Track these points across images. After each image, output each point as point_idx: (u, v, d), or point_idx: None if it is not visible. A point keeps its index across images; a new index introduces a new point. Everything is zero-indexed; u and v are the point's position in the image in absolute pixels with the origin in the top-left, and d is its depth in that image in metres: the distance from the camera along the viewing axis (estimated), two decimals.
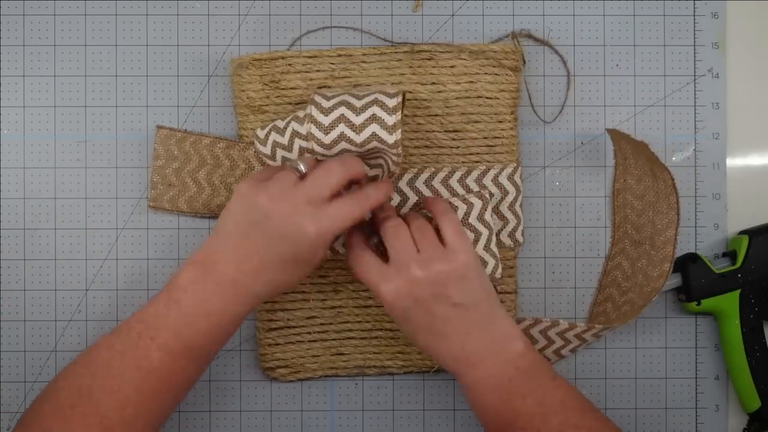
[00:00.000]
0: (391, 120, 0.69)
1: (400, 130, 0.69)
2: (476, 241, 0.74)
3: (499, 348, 0.69)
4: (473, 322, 0.69)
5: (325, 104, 0.70)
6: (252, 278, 0.67)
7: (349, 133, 0.70)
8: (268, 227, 0.66)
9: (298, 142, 0.73)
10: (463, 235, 0.70)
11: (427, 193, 0.78)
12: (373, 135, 0.69)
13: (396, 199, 0.78)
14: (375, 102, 0.70)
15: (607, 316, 0.78)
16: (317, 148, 0.70)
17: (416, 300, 0.68)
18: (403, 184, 0.78)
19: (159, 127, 0.80)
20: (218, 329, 0.68)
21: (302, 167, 0.69)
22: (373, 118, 0.69)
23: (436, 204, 0.72)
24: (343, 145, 0.70)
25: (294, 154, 0.73)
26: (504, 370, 0.69)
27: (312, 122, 0.70)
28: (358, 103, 0.70)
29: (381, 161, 0.73)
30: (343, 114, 0.70)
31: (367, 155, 0.72)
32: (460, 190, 0.78)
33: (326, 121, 0.70)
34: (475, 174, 0.78)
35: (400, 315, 0.69)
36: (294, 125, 0.73)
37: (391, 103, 0.70)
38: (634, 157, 0.79)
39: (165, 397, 0.68)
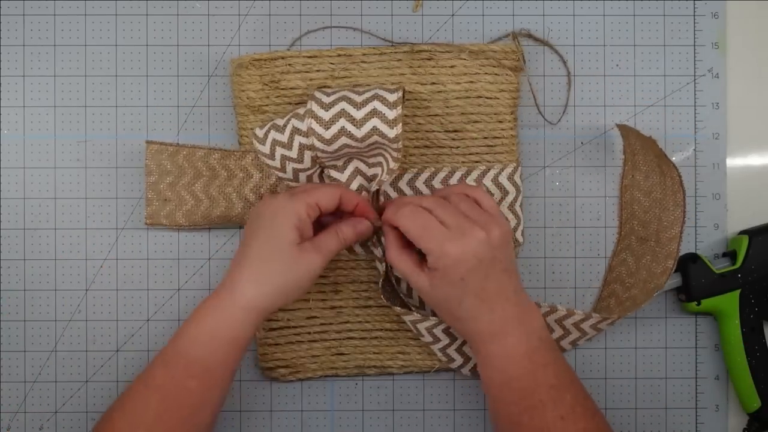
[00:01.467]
0: (392, 114, 0.70)
1: (400, 124, 0.70)
2: None
3: (527, 318, 0.71)
4: (512, 290, 0.71)
5: (326, 99, 0.71)
6: (239, 276, 0.70)
7: (349, 127, 0.70)
8: (253, 215, 0.73)
9: (298, 139, 0.73)
10: (491, 200, 0.73)
11: (426, 192, 0.78)
12: (374, 129, 0.70)
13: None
14: (375, 97, 0.71)
15: (610, 312, 0.78)
16: (318, 144, 0.71)
17: (480, 261, 0.69)
18: (403, 184, 0.78)
19: (149, 143, 0.79)
20: (215, 341, 0.70)
21: None
22: (374, 113, 0.70)
23: (458, 187, 0.75)
24: (344, 140, 0.71)
25: (294, 152, 0.73)
26: (531, 339, 0.71)
27: (312, 117, 0.71)
28: (358, 98, 0.71)
29: (381, 159, 0.73)
30: (343, 109, 0.71)
31: (367, 151, 0.72)
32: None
33: (326, 116, 0.70)
34: (475, 174, 0.78)
35: (457, 277, 0.70)
36: (294, 122, 0.73)
37: (392, 97, 0.71)
38: (642, 153, 0.79)
39: (177, 418, 0.69)
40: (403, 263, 0.72)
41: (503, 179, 0.78)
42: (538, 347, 0.71)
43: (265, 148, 0.75)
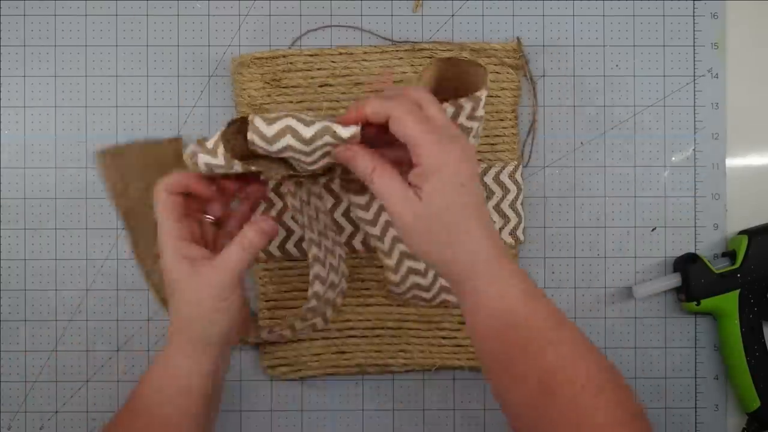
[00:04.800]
0: (346, 132, 0.62)
1: (359, 127, 0.62)
2: None
3: (508, 254, 0.63)
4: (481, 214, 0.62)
5: (270, 116, 0.63)
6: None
7: (296, 125, 0.62)
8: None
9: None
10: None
11: None
12: (326, 129, 0.62)
13: None
14: (327, 126, 0.63)
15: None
16: (259, 142, 0.63)
17: (474, 171, 0.61)
18: None
19: (98, 153, 0.76)
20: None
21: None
22: (326, 129, 0.62)
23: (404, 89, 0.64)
24: (289, 139, 0.62)
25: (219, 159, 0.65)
26: (520, 273, 0.62)
27: (254, 131, 0.63)
28: (307, 118, 0.63)
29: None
30: (289, 125, 0.63)
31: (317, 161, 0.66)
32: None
33: (270, 131, 0.63)
34: None
35: (458, 183, 0.60)
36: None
37: (345, 133, 0.62)
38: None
39: None
40: (388, 178, 0.61)
41: (504, 177, 0.79)
42: (529, 285, 0.62)
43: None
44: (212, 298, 0.64)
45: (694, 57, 0.82)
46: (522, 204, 0.79)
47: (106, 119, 0.81)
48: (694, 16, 0.82)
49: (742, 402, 0.80)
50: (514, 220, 0.79)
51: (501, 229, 0.79)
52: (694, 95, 0.82)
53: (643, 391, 0.81)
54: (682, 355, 0.82)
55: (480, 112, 0.67)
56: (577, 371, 0.60)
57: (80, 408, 0.80)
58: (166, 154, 0.77)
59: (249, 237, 0.65)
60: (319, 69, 0.79)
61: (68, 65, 0.81)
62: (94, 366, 0.80)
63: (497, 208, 0.79)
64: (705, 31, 0.82)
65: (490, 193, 0.78)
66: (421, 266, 0.75)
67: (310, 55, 0.79)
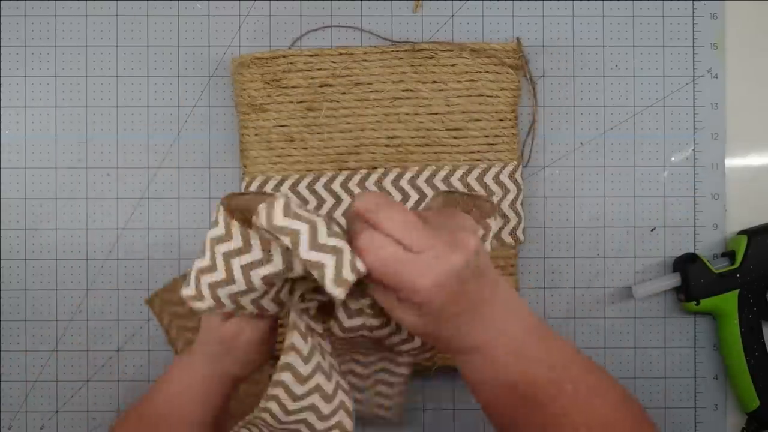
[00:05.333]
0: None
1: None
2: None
3: (513, 308, 0.62)
4: (495, 288, 0.61)
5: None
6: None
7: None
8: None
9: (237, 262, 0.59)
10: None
11: (429, 192, 0.78)
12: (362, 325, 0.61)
13: (397, 197, 0.78)
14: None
15: None
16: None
17: (459, 280, 0.57)
18: (404, 183, 0.78)
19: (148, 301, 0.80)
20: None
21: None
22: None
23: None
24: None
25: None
26: (520, 335, 0.61)
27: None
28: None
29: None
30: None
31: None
32: (462, 189, 0.78)
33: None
34: (476, 172, 0.78)
35: (437, 306, 0.57)
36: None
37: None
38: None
39: None
40: (382, 299, 0.60)
41: (504, 177, 0.79)
42: (527, 341, 0.61)
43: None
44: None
45: (694, 57, 0.82)
46: (522, 204, 0.79)
47: (106, 119, 0.81)
48: (693, 16, 0.82)
49: (742, 402, 0.80)
50: (514, 220, 0.79)
51: (501, 229, 0.79)
52: (694, 95, 0.82)
53: (643, 391, 0.81)
54: (682, 355, 0.82)
55: (487, 245, 0.62)
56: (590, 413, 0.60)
57: (80, 408, 0.80)
58: None
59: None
60: (319, 69, 0.79)
61: (68, 65, 0.81)
62: (94, 366, 0.80)
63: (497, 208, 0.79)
64: (704, 32, 0.82)
65: (489, 194, 0.79)
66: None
67: (310, 56, 0.79)
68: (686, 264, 0.79)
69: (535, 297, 0.81)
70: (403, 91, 0.79)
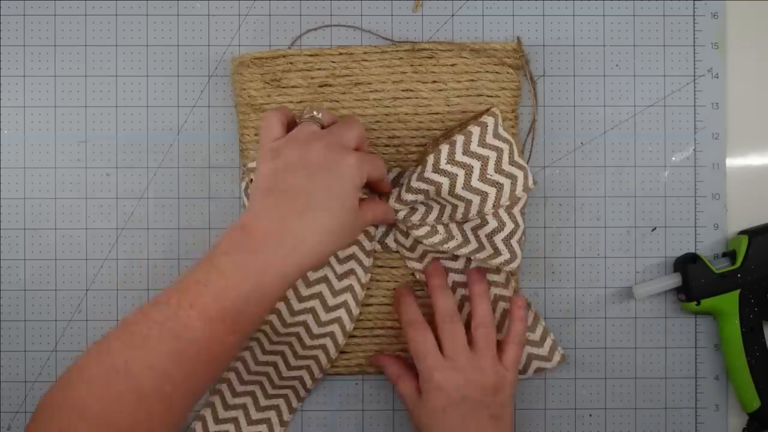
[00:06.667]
0: None
1: None
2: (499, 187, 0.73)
3: None
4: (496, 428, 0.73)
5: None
6: (298, 227, 0.63)
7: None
8: (307, 163, 0.65)
9: None
10: (517, 356, 0.75)
11: (444, 182, 0.74)
12: None
13: (396, 196, 0.77)
14: None
15: None
16: None
17: (463, 399, 0.71)
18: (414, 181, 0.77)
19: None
20: (259, 292, 0.63)
21: (320, 116, 0.69)
22: None
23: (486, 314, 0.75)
24: None
25: None
26: None
27: None
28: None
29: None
30: None
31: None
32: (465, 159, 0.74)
33: None
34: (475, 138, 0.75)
35: (439, 407, 0.72)
36: None
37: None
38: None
39: (203, 371, 0.62)
40: (393, 367, 0.77)
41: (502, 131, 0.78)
42: None
43: None
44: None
45: (694, 57, 0.82)
46: (524, 206, 0.79)
47: (106, 119, 0.81)
48: (694, 15, 0.82)
49: (743, 402, 0.79)
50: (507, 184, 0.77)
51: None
52: (694, 95, 0.82)
53: (643, 391, 0.81)
54: (683, 355, 0.82)
55: (498, 137, 0.68)
56: None
57: None
58: None
59: (384, 206, 0.74)
60: (319, 69, 0.79)
61: (68, 65, 0.81)
62: None
63: (498, 167, 0.76)
64: (705, 31, 0.82)
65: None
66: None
67: (310, 55, 0.79)
68: (687, 264, 0.79)
69: (535, 297, 0.81)
70: (402, 90, 0.79)
